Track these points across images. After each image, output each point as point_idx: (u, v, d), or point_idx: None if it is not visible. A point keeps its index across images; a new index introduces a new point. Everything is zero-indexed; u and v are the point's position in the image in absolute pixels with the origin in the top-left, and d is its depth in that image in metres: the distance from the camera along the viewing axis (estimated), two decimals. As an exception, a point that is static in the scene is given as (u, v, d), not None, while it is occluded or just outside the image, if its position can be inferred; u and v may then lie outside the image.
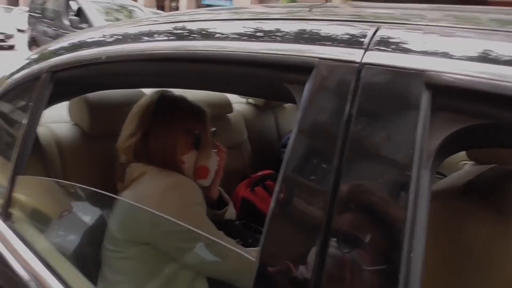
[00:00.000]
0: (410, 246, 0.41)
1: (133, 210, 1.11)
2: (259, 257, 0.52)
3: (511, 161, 1.03)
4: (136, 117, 1.19)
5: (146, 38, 0.79)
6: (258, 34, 0.66)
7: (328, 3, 0.91)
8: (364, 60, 0.50)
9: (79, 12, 8.26)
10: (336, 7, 0.87)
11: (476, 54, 0.44)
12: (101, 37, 0.98)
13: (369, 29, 0.54)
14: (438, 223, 0.49)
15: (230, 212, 1.40)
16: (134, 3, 9.75)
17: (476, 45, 0.46)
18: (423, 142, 0.44)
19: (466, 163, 1.72)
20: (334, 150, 0.49)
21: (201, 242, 1.08)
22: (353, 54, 0.51)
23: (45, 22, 9.03)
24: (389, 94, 0.47)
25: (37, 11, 9.44)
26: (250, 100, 2.18)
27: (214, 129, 1.28)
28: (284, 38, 0.61)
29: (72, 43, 1.05)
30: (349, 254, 0.45)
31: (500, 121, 0.40)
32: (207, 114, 1.23)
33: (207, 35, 0.69)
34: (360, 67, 0.50)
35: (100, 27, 1.14)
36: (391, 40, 0.51)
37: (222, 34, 0.67)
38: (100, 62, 0.86)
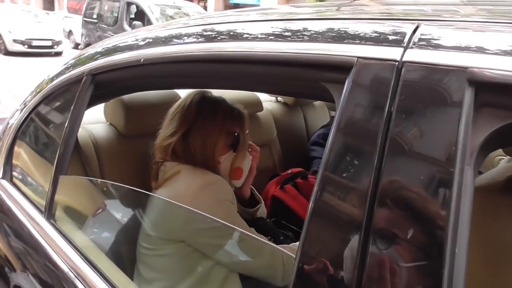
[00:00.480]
0: (453, 242, 0.43)
1: (167, 208, 1.15)
2: (299, 255, 0.54)
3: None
4: (177, 116, 1.23)
5: (184, 39, 0.83)
6: (291, 34, 0.68)
7: (356, 1, 0.92)
8: (405, 59, 0.51)
9: (138, 15, 8.33)
10: (365, 5, 0.88)
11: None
12: (134, 41, 1.03)
13: (408, 27, 0.55)
14: (479, 220, 0.50)
15: (261, 210, 1.43)
16: (190, 4, 9.80)
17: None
18: (466, 139, 0.45)
19: (502, 158, 1.69)
20: (375, 147, 0.50)
21: (233, 238, 1.12)
22: (393, 53, 0.53)
23: (102, 27, 9.14)
24: (430, 91, 0.49)
25: (93, 17, 9.62)
26: (280, 98, 2.20)
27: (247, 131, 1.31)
28: (321, 37, 0.63)
29: (107, 47, 1.10)
30: (390, 251, 0.46)
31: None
32: (246, 116, 1.27)
33: (244, 37, 0.71)
34: (400, 65, 0.51)
35: (131, 32, 1.18)
36: (431, 38, 0.52)
37: (258, 35, 0.70)
38: (138, 65, 0.90)
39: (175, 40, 0.88)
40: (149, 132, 1.31)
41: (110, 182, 1.31)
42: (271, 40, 0.67)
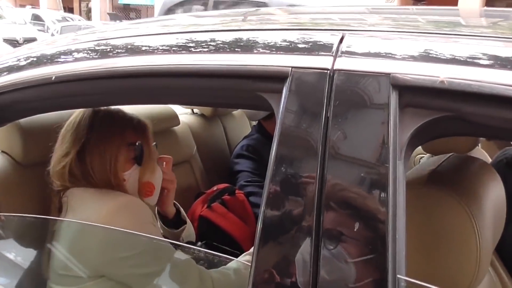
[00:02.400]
0: (394, 230, 0.53)
1: (78, 239, 1.12)
2: (253, 267, 0.61)
3: (461, 149, 1.22)
4: (69, 135, 1.20)
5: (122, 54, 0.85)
6: (220, 45, 0.76)
7: (261, 10, 1.03)
8: (335, 67, 0.62)
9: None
10: (272, 14, 1.00)
11: (431, 55, 0.57)
12: (17, 61, 1.02)
13: (334, 37, 0.66)
14: (409, 211, 0.62)
15: (189, 232, 1.45)
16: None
17: (430, 46, 0.60)
18: (395, 136, 0.56)
19: (422, 157, 1.95)
20: (317, 152, 0.60)
21: (161, 264, 1.12)
22: (324, 62, 0.63)
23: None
24: (361, 96, 0.59)
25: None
26: (196, 110, 2.26)
27: (154, 143, 1.30)
28: (253, 48, 0.71)
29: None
30: (340, 249, 0.56)
31: (459, 113, 0.53)
32: (148, 125, 1.27)
33: (172, 50, 0.77)
34: (331, 73, 0.62)
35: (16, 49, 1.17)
36: (356, 47, 0.63)
37: (188, 48, 0.76)
38: (48, 83, 0.90)
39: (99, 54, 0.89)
40: (47, 159, 1.27)
41: (7, 214, 1.25)
42: (199, 52, 0.74)
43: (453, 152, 1.00)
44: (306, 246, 0.58)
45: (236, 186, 1.91)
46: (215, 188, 1.86)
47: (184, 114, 2.22)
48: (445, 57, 0.57)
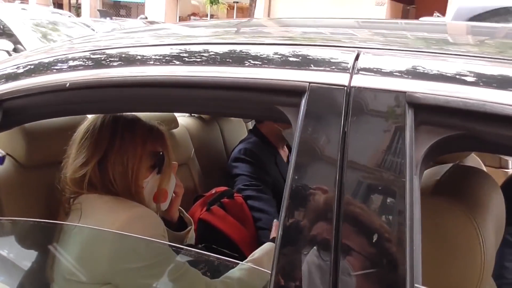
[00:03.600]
0: (411, 240, 0.56)
1: (89, 246, 1.14)
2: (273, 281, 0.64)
3: (457, 157, 1.26)
4: (88, 142, 1.20)
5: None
6: (237, 58, 0.78)
7: (254, 21, 1.07)
8: (352, 84, 0.64)
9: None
10: (263, 25, 1.02)
11: (447, 75, 0.61)
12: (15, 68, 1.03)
13: (350, 54, 0.69)
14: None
15: (190, 235, 1.48)
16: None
17: (444, 66, 0.63)
18: (411, 152, 0.59)
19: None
20: (335, 163, 0.62)
21: (168, 276, 1.14)
22: (341, 78, 0.66)
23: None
24: (377, 112, 0.62)
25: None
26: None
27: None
28: (271, 63, 0.74)
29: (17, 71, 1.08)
30: (361, 256, 0.58)
31: (472, 132, 0.57)
32: (166, 133, 1.30)
33: (192, 60, 0.79)
34: (348, 90, 0.64)
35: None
36: (372, 65, 0.66)
37: (211, 59, 0.79)
38: (62, 89, 0.92)
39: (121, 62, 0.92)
40: (54, 161, 1.28)
41: (13, 218, 1.25)
42: (220, 65, 0.76)
43: (449, 161, 1.04)
44: (325, 257, 0.61)
45: (234, 189, 1.93)
46: (213, 191, 1.89)
47: (182, 116, 2.24)
48: (459, 77, 0.60)
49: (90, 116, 1.30)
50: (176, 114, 2.05)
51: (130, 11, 23.10)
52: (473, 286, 0.75)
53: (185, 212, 1.46)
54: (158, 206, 1.30)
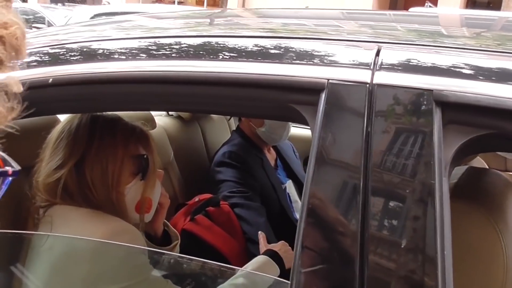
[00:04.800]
0: (442, 246, 0.60)
1: (61, 265, 1.11)
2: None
3: (465, 161, 1.32)
4: (63, 144, 1.19)
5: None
6: (247, 52, 0.81)
7: (229, 11, 1.10)
8: (375, 81, 0.68)
9: None
10: (239, 16, 1.06)
11: (476, 72, 0.65)
12: None
13: (370, 50, 0.73)
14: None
15: (176, 250, 1.48)
16: None
17: (472, 62, 0.67)
18: (440, 153, 0.63)
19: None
20: (359, 166, 0.66)
21: None
22: (362, 75, 0.69)
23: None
24: (403, 111, 0.66)
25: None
26: (172, 112, 2.28)
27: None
28: (284, 57, 0.77)
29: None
30: (389, 262, 0.62)
31: (503, 131, 0.61)
32: (151, 135, 1.31)
33: (193, 55, 0.82)
34: (371, 87, 0.68)
35: None
36: (394, 60, 0.70)
37: (225, 54, 0.81)
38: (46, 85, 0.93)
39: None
40: (24, 166, 1.28)
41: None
42: (230, 59, 0.79)
43: (466, 163, 1.10)
44: (351, 265, 0.64)
45: (219, 196, 1.94)
46: (197, 198, 1.90)
47: (159, 116, 2.24)
48: (488, 74, 0.64)
49: (65, 117, 1.30)
50: (153, 113, 2.05)
51: (85, -4, 22.73)
52: (497, 292, 0.79)
53: (170, 225, 1.45)
54: (141, 218, 1.28)
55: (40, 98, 0.98)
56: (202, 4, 20.08)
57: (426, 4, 9.51)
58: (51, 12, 11.79)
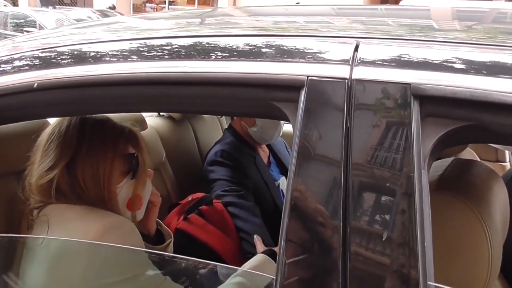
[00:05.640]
0: (422, 237, 0.61)
1: (60, 263, 1.14)
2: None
3: (453, 152, 1.33)
4: (54, 145, 1.21)
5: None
6: (226, 51, 0.81)
7: (220, 10, 1.11)
8: (353, 76, 0.69)
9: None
10: (230, 15, 1.06)
11: (452, 65, 0.66)
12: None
13: (349, 45, 0.73)
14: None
15: (169, 248, 1.49)
16: None
17: (448, 55, 0.68)
18: (419, 146, 0.64)
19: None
20: (340, 161, 0.66)
21: None
22: (341, 71, 0.70)
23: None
24: (381, 106, 0.67)
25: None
26: (163, 112, 2.29)
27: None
28: (263, 55, 0.77)
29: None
30: (371, 255, 0.63)
31: (480, 123, 0.62)
32: (140, 135, 1.32)
33: (183, 56, 0.82)
34: (349, 83, 0.69)
35: None
36: (372, 56, 0.71)
37: (208, 54, 0.82)
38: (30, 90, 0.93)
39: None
40: (16, 169, 1.28)
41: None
42: (205, 59, 0.79)
43: (443, 155, 1.11)
44: (334, 257, 0.65)
45: (212, 195, 1.95)
46: (190, 198, 1.90)
47: (150, 117, 2.24)
48: (465, 67, 0.65)
49: (54, 120, 1.31)
50: (144, 114, 2.06)
51: (76, -1, 22.67)
52: (482, 281, 0.80)
53: (163, 224, 1.47)
54: (134, 216, 1.30)
55: (30, 102, 0.99)
56: (194, 3, 20.05)
57: (418, -5, 9.53)
58: (42, 16, 11.77)
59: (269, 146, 2.26)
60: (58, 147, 1.21)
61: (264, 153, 2.22)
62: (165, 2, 20.73)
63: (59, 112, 1.16)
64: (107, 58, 0.91)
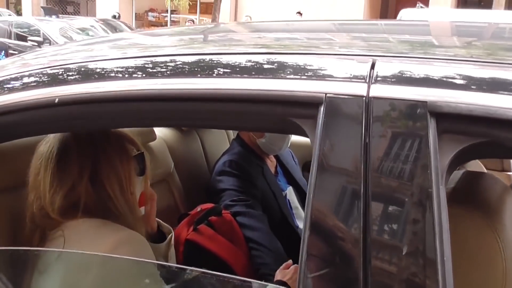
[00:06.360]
0: (442, 252, 0.63)
1: (69, 278, 1.14)
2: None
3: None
4: (65, 164, 1.20)
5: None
6: (245, 68, 0.84)
7: (222, 25, 1.14)
8: (371, 94, 0.71)
9: None
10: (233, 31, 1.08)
11: (467, 83, 0.68)
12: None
13: (366, 63, 0.75)
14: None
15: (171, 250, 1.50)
16: None
17: (464, 73, 0.70)
18: (436, 162, 0.65)
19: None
20: (359, 176, 0.68)
21: None
22: (358, 89, 0.72)
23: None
24: (399, 122, 0.69)
25: None
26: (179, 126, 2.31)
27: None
28: (283, 73, 0.79)
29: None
30: (391, 270, 0.64)
31: (495, 139, 0.64)
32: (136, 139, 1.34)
33: (212, 72, 0.85)
34: (367, 100, 0.71)
35: None
36: (389, 73, 0.73)
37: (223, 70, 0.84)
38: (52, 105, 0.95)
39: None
40: (24, 182, 1.30)
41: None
42: (233, 77, 0.82)
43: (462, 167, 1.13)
44: (355, 270, 0.67)
45: (220, 205, 1.97)
46: (199, 208, 1.92)
47: (159, 128, 2.26)
48: (479, 84, 0.67)
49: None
50: (152, 125, 2.08)
51: (78, 7, 22.81)
52: (497, 294, 0.82)
53: (161, 221, 1.49)
54: (146, 210, 1.36)
55: (34, 119, 1.02)
56: (195, 12, 20.16)
57: (417, 4, 9.58)
58: (45, 25, 11.85)
59: (276, 157, 2.28)
60: (78, 161, 1.21)
61: (271, 163, 2.24)
62: (167, 11, 20.86)
63: (67, 128, 1.17)
64: (114, 75, 0.94)
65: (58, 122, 1.05)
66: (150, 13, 21.96)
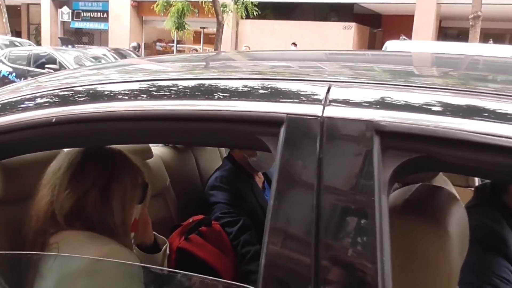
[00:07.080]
0: (382, 253, 0.66)
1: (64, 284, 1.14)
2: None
3: (426, 178, 1.38)
4: (90, 172, 1.23)
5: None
6: (226, 92, 0.88)
7: (223, 54, 1.18)
8: (325, 114, 0.75)
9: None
10: (233, 59, 1.13)
11: (408, 105, 0.72)
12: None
13: (322, 87, 0.79)
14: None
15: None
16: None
17: (405, 97, 0.74)
18: (379, 174, 0.69)
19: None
20: (312, 186, 0.72)
21: None
22: (315, 110, 0.76)
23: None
24: (349, 139, 0.72)
25: None
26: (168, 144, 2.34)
27: None
28: (251, 96, 0.83)
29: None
30: (339, 268, 0.67)
31: (430, 154, 0.67)
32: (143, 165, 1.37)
33: (186, 95, 0.89)
34: (322, 120, 0.75)
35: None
36: (342, 97, 0.77)
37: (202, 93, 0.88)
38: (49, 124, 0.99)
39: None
40: (32, 194, 1.32)
41: None
42: (208, 98, 0.86)
43: (420, 182, 1.16)
44: (307, 270, 0.69)
45: (211, 217, 1.99)
46: (191, 220, 1.94)
47: (156, 146, 2.30)
48: (418, 106, 0.71)
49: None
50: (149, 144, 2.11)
51: (92, 38, 23.08)
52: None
53: (157, 234, 1.50)
54: (136, 235, 1.36)
55: (50, 135, 1.05)
56: (199, 42, 20.40)
57: (400, 37, 9.73)
58: (62, 54, 12.01)
59: (264, 173, 2.31)
60: (89, 175, 1.23)
61: (259, 179, 2.27)
62: (173, 41, 21.11)
63: (76, 144, 1.21)
64: (120, 97, 0.98)
65: (61, 139, 1.08)
66: (158, 43, 22.23)
